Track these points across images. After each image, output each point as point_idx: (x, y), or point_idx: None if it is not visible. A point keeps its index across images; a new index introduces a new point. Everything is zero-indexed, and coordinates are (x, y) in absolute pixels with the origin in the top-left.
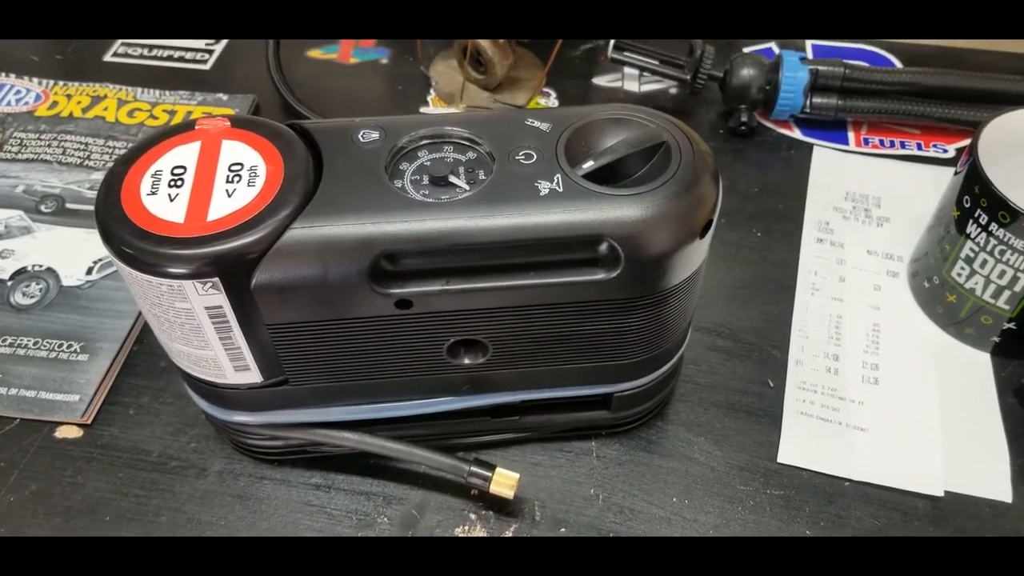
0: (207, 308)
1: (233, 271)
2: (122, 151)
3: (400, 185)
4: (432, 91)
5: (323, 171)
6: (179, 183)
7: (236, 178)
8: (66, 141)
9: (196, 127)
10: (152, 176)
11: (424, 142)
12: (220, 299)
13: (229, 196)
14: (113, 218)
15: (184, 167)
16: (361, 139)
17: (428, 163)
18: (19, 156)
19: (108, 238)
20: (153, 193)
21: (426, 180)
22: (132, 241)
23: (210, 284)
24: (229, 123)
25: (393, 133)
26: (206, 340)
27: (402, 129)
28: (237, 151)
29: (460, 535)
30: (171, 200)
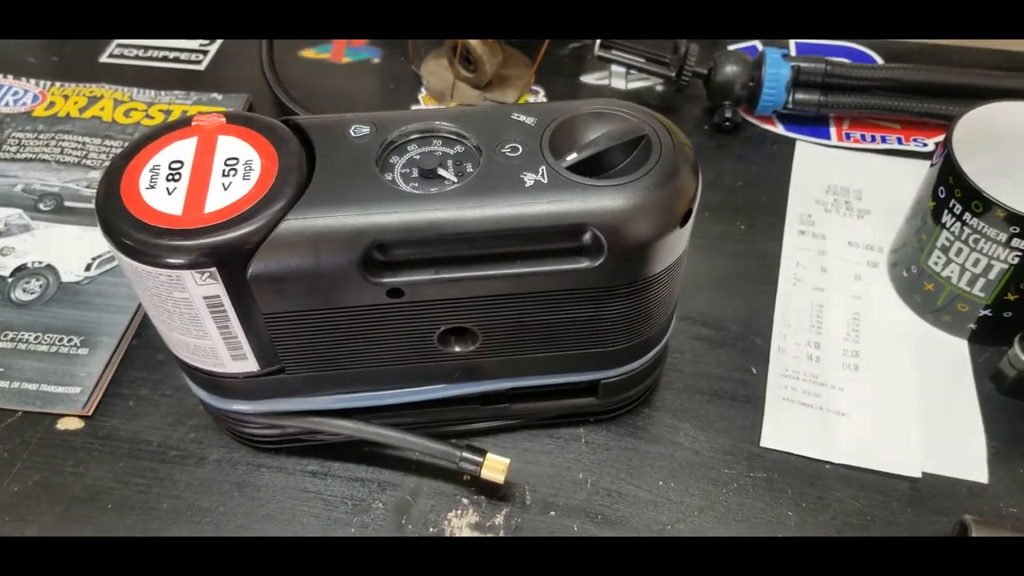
0: (205, 298)
1: (230, 261)
2: (119, 150)
3: (390, 178)
4: (423, 89)
5: (316, 165)
6: (177, 177)
7: (232, 172)
8: (64, 141)
9: (192, 123)
10: (150, 171)
11: (413, 136)
12: (217, 289)
13: (225, 189)
14: (113, 211)
15: (181, 162)
16: (352, 134)
17: (417, 156)
18: (17, 156)
19: (109, 231)
20: (152, 187)
21: (415, 173)
22: (132, 233)
23: (208, 274)
24: (224, 119)
25: (383, 128)
26: (204, 330)
27: (392, 124)
28: (232, 146)
29: (453, 519)
30: (169, 193)
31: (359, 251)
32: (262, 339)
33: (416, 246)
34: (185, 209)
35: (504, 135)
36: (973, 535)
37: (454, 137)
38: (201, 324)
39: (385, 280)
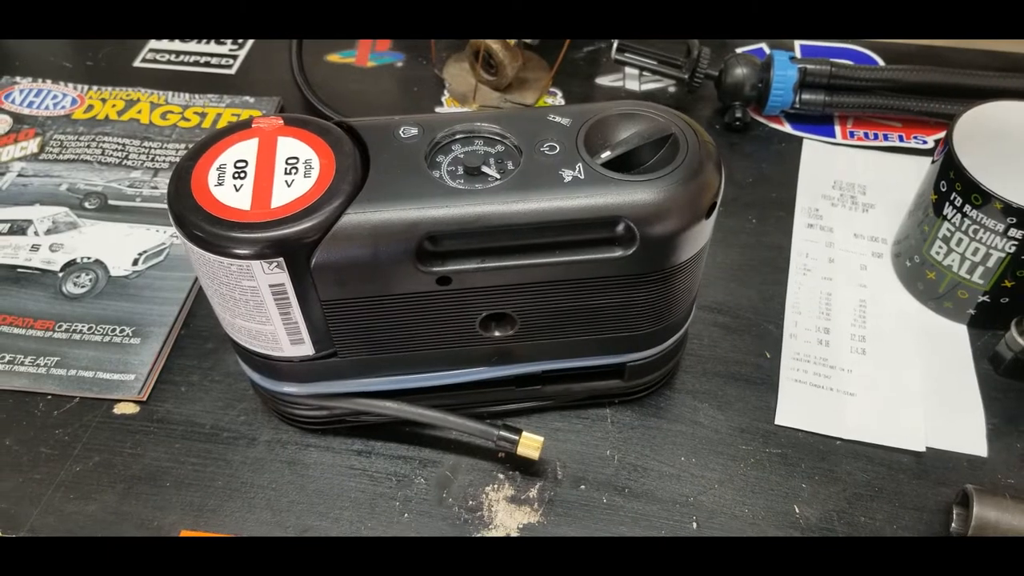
0: (271, 286)
1: (295, 252)
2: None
3: (439, 175)
4: (446, 92)
5: (370, 163)
6: (243, 175)
7: (293, 170)
8: (104, 142)
9: (253, 126)
10: (217, 169)
11: (458, 136)
12: (283, 277)
13: (288, 186)
14: (186, 207)
15: (246, 161)
16: (402, 135)
17: (462, 155)
18: (60, 157)
19: (182, 224)
20: (220, 184)
21: (461, 170)
22: (204, 227)
23: (275, 264)
24: (283, 122)
25: (430, 129)
26: (267, 315)
27: (438, 125)
28: (292, 146)
29: (490, 492)
30: (237, 190)
31: (413, 242)
32: (319, 325)
33: (464, 237)
34: (253, 204)
35: (542, 135)
36: (974, 503)
37: (495, 137)
38: (265, 310)
39: (435, 269)
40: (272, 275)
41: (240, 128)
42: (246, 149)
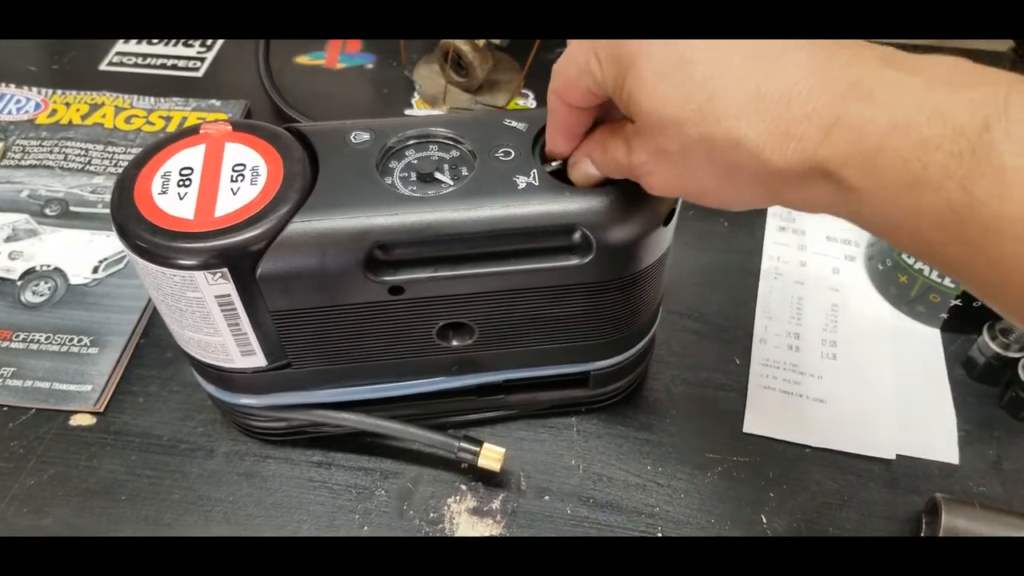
0: (216, 297)
1: (240, 262)
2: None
3: (390, 182)
4: (416, 94)
5: (319, 170)
6: (187, 183)
7: (240, 177)
8: (67, 147)
9: (200, 131)
10: (162, 177)
11: (411, 142)
12: (228, 288)
13: (234, 194)
14: (128, 217)
15: (191, 168)
16: (353, 140)
17: (415, 161)
18: (22, 162)
19: (124, 234)
20: (164, 192)
21: (414, 177)
22: (147, 237)
23: (219, 274)
24: (231, 127)
25: (382, 134)
26: (215, 327)
27: (390, 130)
28: (239, 153)
29: (452, 504)
30: (180, 199)
31: (362, 251)
32: (270, 335)
33: (416, 246)
34: (196, 213)
35: (497, 140)
36: (943, 512)
37: (450, 142)
38: (212, 322)
39: (387, 278)
40: (217, 286)
41: (187, 134)
42: (192, 156)
